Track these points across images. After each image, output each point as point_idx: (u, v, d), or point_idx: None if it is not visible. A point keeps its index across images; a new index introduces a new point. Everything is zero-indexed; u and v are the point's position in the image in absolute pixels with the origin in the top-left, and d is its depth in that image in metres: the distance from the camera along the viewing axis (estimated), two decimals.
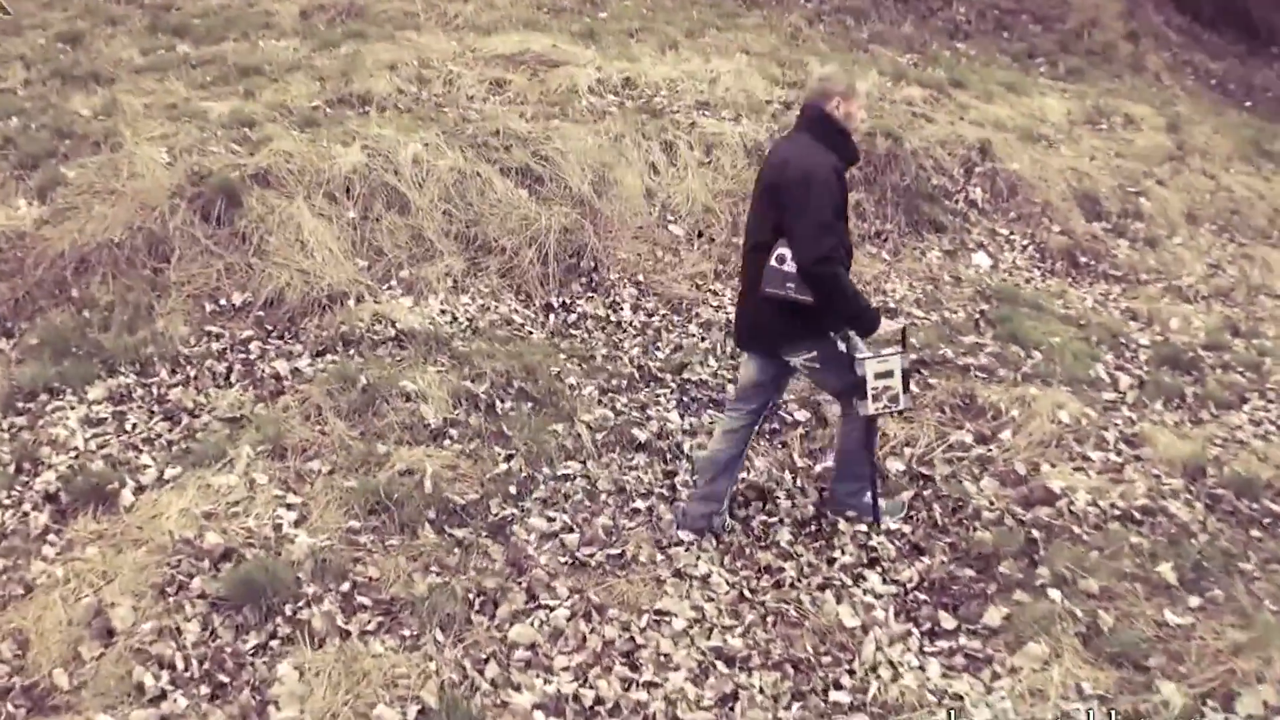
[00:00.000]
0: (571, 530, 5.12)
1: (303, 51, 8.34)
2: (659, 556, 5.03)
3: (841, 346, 4.82)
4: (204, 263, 6.49)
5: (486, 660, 4.36)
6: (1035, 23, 10.94)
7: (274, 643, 4.36)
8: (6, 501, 5.08)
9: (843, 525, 5.27)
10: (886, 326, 4.96)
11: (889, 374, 4.79)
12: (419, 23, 8.95)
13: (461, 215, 6.94)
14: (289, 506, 5.01)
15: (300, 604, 4.50)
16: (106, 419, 5.61)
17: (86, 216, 6.53)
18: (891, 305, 6.98)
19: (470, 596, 4.64)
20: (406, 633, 4.44)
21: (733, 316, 5.38)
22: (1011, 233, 8.13)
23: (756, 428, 5.24)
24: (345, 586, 4.61)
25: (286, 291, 6.37)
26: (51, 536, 4.89)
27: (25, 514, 5.03)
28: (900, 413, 5.15)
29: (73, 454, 5.35)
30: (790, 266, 4.58)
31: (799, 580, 4.98)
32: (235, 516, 4.92)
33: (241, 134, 7.15)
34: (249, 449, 5.26)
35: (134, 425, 5.57)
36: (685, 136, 7.81)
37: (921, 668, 4.54)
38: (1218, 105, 11.07)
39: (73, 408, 5.66)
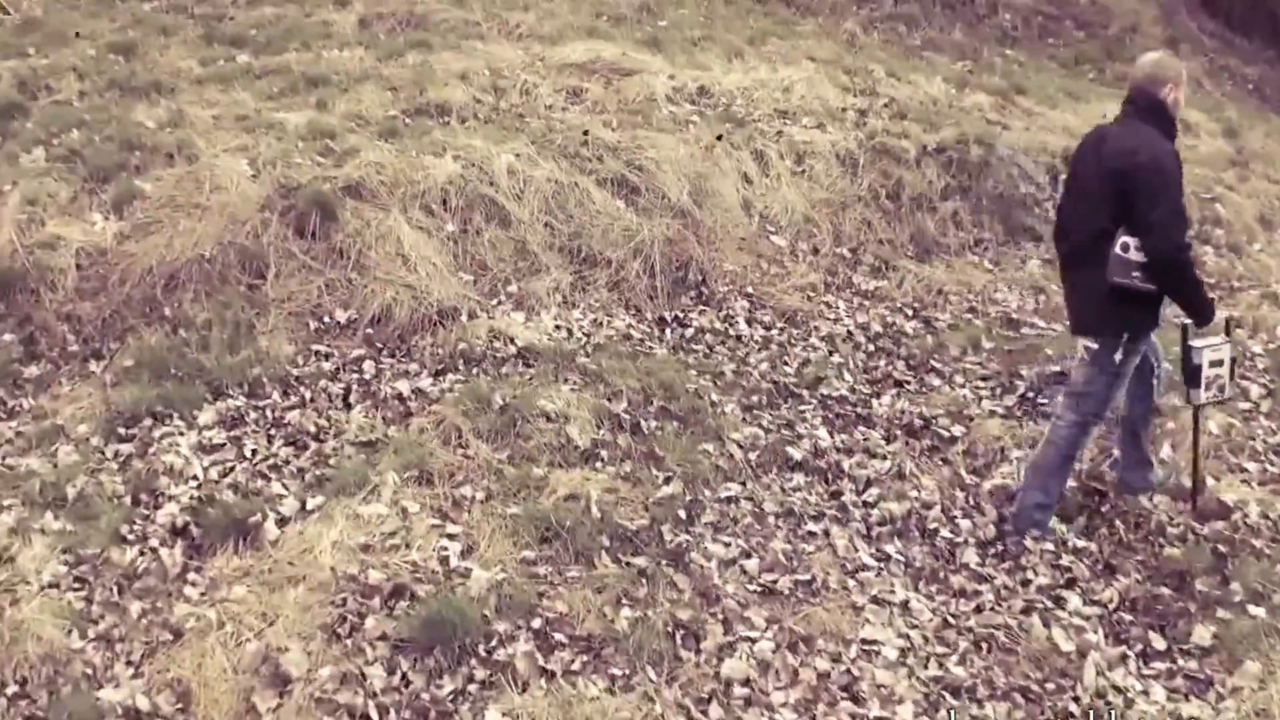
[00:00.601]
0: (750, 556, 4.80)
1: (369, 61, 7.96)
2: (850, 582, 4.71)
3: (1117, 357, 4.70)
4: (302, 279, 6.10)
5: (708, 700, 4.02)
6: (1078, 29, 10.84)
7: (472, 687, 3.99)
8: (130, 537, 4.64)
9: (1029, 544, 5.00)
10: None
11: (1220, 363, 4.87)
12: (482, 32, 8.61)
13: (563, 227, 6.60)
14: (451, 537, 4.63)
15: (493, 643, 4.12)
16: (223, 445, 5.20)
17: (172, 231, 6.11)
18: (1014, 316, 6.72)
19: (669, 630, 4.29)
20: (615, 671, 4.08)
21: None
22: None
23: (1156, 393, 5.25)
24: (536, 623, 4.24)
25: (394, 308, 6.00)
26: (192, 575, 4.48)
27: (154, 550, 4.61)
28: (1224, 401, 5.23)
29: (194, 483, 4.94)
30: (1135, 255, 4.53)
31: (998, 604, 4.71)
32: (395, 549, 4.53)
33: (323, 145, 6.77)
34: (394, 475, 4.87)
35: (254, 451, 5.16)
36: (774, 145, 7.53)
37: (1145, 692, 4.31)
38: (1261, 110, 11.01)
39: (182, 433, 5.24)
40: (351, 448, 5.15)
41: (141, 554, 4.57)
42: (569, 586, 4.44)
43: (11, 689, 3.95)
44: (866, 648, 4.38)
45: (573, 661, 4.11)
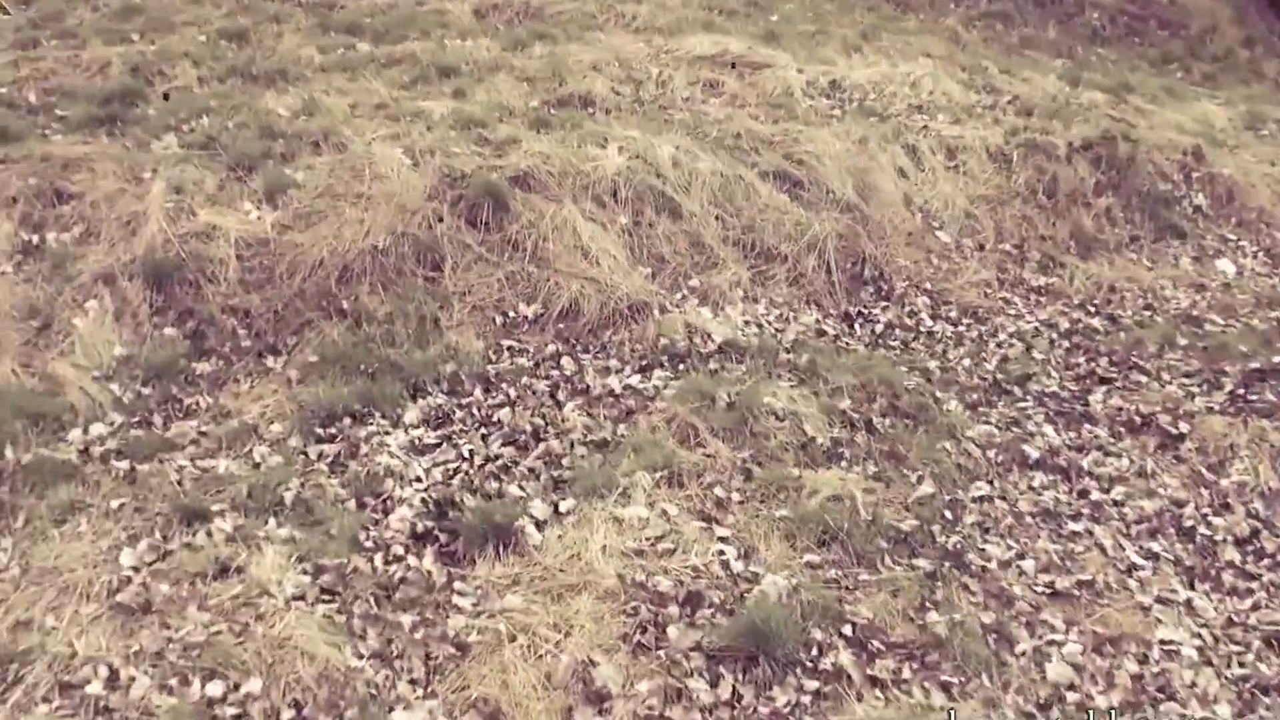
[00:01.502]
0: (1023, 557, 4.57)
1: (495, 51, 7.67)
2: (1129, 582, 4.50)
3: None
4: (480, 271, 5.80)
5: (1048, 705, 3.78)
6: (1161, 28, 10.80)
7: (805, 698, 3.71)
8: (369, 544, 4.31)
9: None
10: None
11: None
12: (599, 24, 8.34)
13: (735, 221, 6.35)
14: (723, 540, 4.36)
15: (813, 652, 3.86)
16: (438, 445, 4.90)
17: (338, 221, 5.78)
18: (1192, 313, 6.57)
19: (981, 634, 4.06)
20: (945, 678, 3.83)
21: None
22: (1239, 238, 7.81)
23: None
24: (847, 629, 3.98)
25: (581, 302, 5.71)
26: (459, 585, 4.15)
27: (400, 558, 4.29)
28: None
29: (419, 485, 4.63)
30: None
31: (1271, 600, 4.52)
32: (670, 554, 4.25)
33: (477, 135, 6.46)
34: (645, 476, 4.59)
35: (471, 452, 4.85)
36: (923, 140, 7.33)
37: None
38: None
39: (389, 433, 4.94)
40: (582, 447, 4.86)
41: (388, 562, 4.25)
42: (864, 591, 4.19)
43: (287, 715, 3.60)
44: (1166, 648, 4.18)
45: (899, 669, 3.86)
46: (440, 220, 5.87)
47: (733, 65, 7.48)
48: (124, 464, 4.65)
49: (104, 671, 3.66)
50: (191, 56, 7.33)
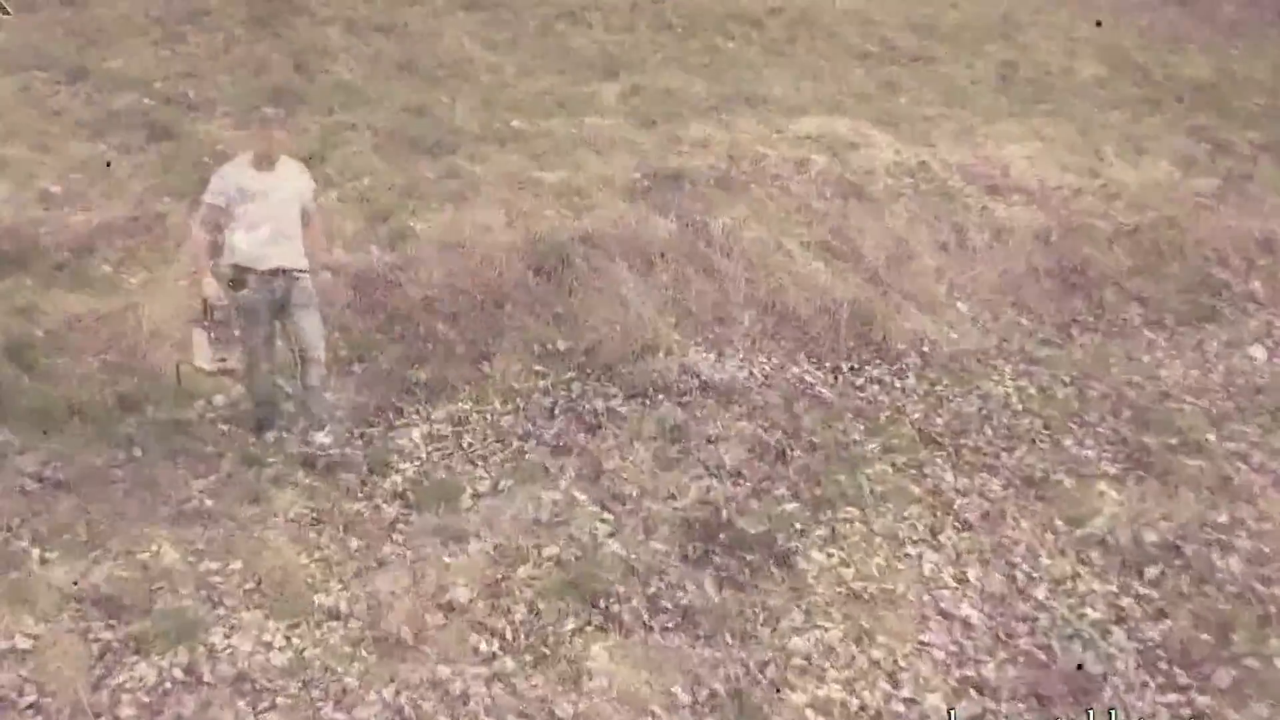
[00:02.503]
0: (847, 565, 5.43)
1: (624, 130, 8.94)
2: (925, 596, 5.31)
3: None
4: (534, 311, 6.99)
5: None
6: None
7: (589, 629, 4.80)
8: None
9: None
10: None
11: None
12: (730, 105, 9.54)
13: (763, 283, 7.48)
14: (603, 521, 5.52)
15: (612, 600, 4.97)
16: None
17: (434, 264, 7.07)
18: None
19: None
20: (701, 633, 4.89)
21: None
22: None
23: None
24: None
25: (605, 341, 6.84)
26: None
27: (378, 506, 5.54)
28: None
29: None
30: None
31: (1050, 629, 5.20)
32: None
33: (570, 201, 7.83)
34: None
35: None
36: (975, 220, 8.18)
37: (1154, 716, 4.79)
38: None
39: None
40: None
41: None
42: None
43: None
44: (919, 648, 5.02)
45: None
46: (512, 269, 7.19)
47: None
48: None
49: None
50: (374, 128, 8.47)
